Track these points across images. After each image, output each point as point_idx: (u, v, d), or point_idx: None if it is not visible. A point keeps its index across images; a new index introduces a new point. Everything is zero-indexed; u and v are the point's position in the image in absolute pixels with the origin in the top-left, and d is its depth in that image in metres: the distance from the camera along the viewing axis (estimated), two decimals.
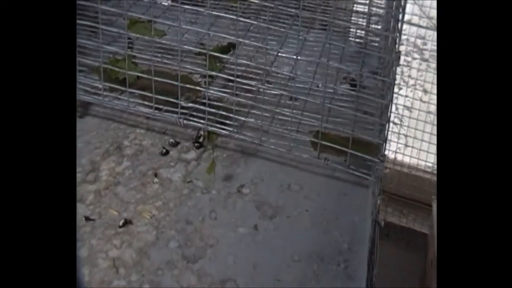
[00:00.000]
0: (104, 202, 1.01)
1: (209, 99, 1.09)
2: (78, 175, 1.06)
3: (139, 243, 0.93)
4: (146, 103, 1.14)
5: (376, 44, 1.50)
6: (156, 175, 1.07)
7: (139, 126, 1.21)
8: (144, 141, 1.16)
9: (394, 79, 1.03)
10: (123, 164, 1.11)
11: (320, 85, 1.15)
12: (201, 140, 1.17)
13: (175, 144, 1.15)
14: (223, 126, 1.11)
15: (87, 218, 0.97)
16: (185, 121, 1.10)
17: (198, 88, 1.11)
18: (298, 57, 1.06)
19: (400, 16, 0.97)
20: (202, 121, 1.10)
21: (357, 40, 1.54)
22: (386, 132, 1.04)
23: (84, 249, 0.91)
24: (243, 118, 1.11)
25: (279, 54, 1.15)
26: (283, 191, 1.04)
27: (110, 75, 1.15)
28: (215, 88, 1.15)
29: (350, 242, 0.95)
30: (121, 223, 0.96)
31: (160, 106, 1.13)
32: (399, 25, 0.97)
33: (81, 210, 0.99)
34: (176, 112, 1.11)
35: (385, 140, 1.01)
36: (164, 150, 1.13)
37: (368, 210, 1.01)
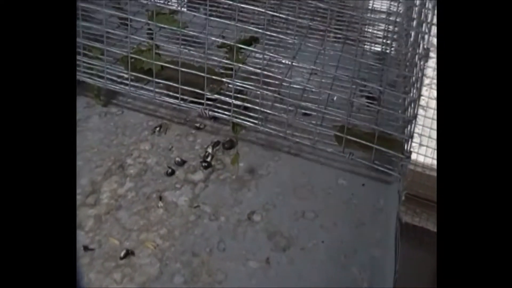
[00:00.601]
0: (104, 229, 0.94)
1: (234, 91, 1.07)
2: (77, 197, 0.99)
3: (141, 277, 0.86)
4: (171, 93, 1.13)
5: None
6: (160, 198, 1.00)
7: (143, 141, 1.13)
8: (148, 159, 1.09)
9: (422, 75, 0.97)
10: (125, 185, 1.03)
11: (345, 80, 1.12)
12: (208, 159, 1.09)
13: (182, 163, 1.07)
14: (247, 118, 1.09)
15: (86, 248, 0.90)
16: (210, 112, 1.09)
17: (223, 80, 1.09)
18: (323, 50, 1.04)
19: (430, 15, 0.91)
20: (227, 112, 1.08)
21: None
22: (412, 128, 0.99)
23: (81, 284, 0.83)
24: (268, 111, 1.07)
25: (301, 47, 1.17)
26: (297, 219, 0.96)
27: (135, 65, 1.14)
28: (240, 81, 1.10)
29: (370, 280, 0.88)
30: (122, 254, 0.89)
31: (185, 97, 1.11)
32: (430, 16, 0.90)
33: (80, 237, 0.92)
34: (202, 103, 1.09)
35: (411, 136, 0.97)
36: (170, 170, 1.05)
37: (390, 244, 0.93)
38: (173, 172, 1.07)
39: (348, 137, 1.00)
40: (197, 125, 1.18)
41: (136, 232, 0.94)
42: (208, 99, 1.09)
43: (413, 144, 0.99)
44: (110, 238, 0.93)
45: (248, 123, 1.09)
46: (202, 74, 1.01)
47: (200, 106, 1.10)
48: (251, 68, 1.09)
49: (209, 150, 1.12)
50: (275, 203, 1.01)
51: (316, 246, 0.94)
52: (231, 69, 1.11)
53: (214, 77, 1.03)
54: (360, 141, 0.99)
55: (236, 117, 1.09)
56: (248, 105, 1.08)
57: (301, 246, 0.93)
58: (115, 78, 1.12)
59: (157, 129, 1.17)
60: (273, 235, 0.95)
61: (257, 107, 1.07)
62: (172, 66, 1.08)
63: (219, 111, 1.10)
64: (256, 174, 1.07)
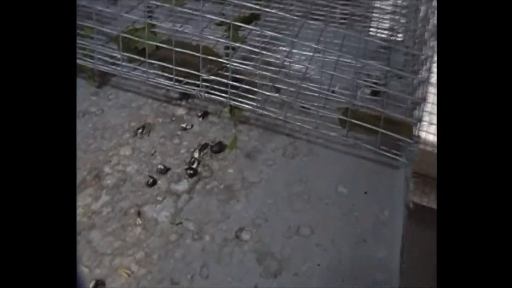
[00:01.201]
0: None
1: (231, 72, 0.97)
2: None
3: None
4: (166, 74, 1.04)
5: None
6: (139, 213, 0.89)
7: (124, 145, 1.02)
8: (128, 167, 0.98)
9: (432, 53, 0.89)
10: (101, 199, 0.93)
11: (349, 60, 1.03)
12: (194, 165, 0.98)
13: (165, 171, 0.96)
14: (246, 101, 1.00)
15: None
16: (206, 94, 1.01)
17: (220, 60, 0.99)
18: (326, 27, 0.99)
19: None
20: (224, 94, 1.00)
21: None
22: (421, 111, 0.91)
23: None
24: (267, 93, 0.99)
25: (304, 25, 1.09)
26: (290, 237, 0.85)
27: (129, 45, 1.06)
28: (239, 61, 1.01)
29: None
30: (91, 285, 0.78)
31: (181, 78, 1.03)
32: None
33: None
34: (197, 85, 1.01)
35: (420, 119, 0.90)
36: (151, 180, 0.94)
37: (395, 264, 0.81)
38: (154, 182, 0.96)
39: (353, 120, 0.91)
40: (184, 125, 1.07)
41: (109, 257, 0.84)
42: (205, 80, 1.00)
43: (423, 123, 0.92)
44: (79, 265, 0.82)
45: (247, 106, 0.99)
46: (197, 54, 0.94)
47: (196, 88, 1.01)
48: (249, 48, 0.98)
49: (196, 154, 1.01)
50: (267, 216, 0.90)
51: (311, 269, 0.83)
52: (233, 49, 1.02)
53: (210, 57, 0.96)
54: (366, 124, 0.90)
55: (234, 99, 1.00)
56: (246, 86, 0.99)
57: (294, 271, 0.83)
58: (107, 59, 1.08)
59: (140, 130, 1.06)
60: (263, 256, 0.84)
61: (255, 89, 0.97)
62: (166, 46, 0.99)
63: (216, 93, 1.01)
64: (246, 182, 0.95)
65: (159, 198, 0.93)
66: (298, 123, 0.98)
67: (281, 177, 0.96)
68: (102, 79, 1.20)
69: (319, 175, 0.97)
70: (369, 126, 0.87)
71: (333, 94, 0.97)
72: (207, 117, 1.09)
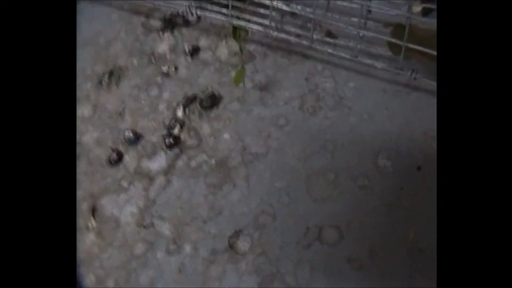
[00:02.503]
0: None
1: None
2: None
3: None
4: None
5: None
6: (94, 211, 0.61)
7: (83, 102, 0.73)
8: (85, 135, 0.69)
9: None
10: None
11: None
12: (176, 130, 0.68)
13: (135, 140, 0.69)
14: (254, 18, 0.70)
15: None
16: (198, 11, 0.72)
17: None
18: None
19: None
20: (224, 10, 0.71)
21: None
22: None
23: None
24: (285, 7, 0.67)
25: None
26: (308, 246, 0.55)
27: None
28: None
29: None
30: None
31: None
32: None
33: None
34: None
35: None
36: (115, 155, 0.66)
37: None
38: (119, 158, 0.69)
39: (410, 45, 0.60)
40: (166, 68, 0.77)
41: None
42: None
43: None
44: None
45: (255, 27, 0.70)
46: None
47: (185, 2, 0.71)
48: None
49: (179, 112, 0.71)
50: (275, 210, 0.61)
51: None
52: None
53: None
54: (426, 50, 0.59)
55: (238, 17, 0.70)
56: None
57: None
58: None
59: (106, 78, 0.76)
60: (269, 281, 0.55)
61: (267, 1, 0.67)
62: None
63: (212, 8, 0.71)
64: (247, 153, 0.66)
65: (124, 184, 0.65)
66: (329, 50, 0.67)
67: (297, 145, 0.65)
68: None
69: (351, 141, 0.66)
70: (431, 52, 0.57)
71: (379, 6, 0.63)
72: (198, 54, 0.78)
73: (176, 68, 0.78)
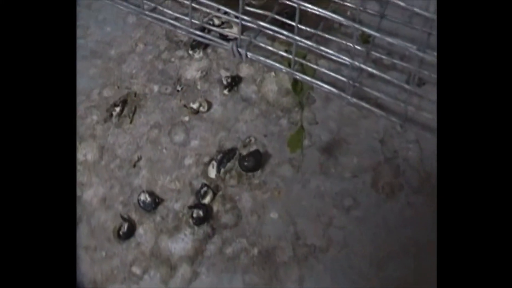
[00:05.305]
0: None
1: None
2: None
3: None
4: None
5: None
6: None
7: (85, 142, 0.55)
8: (87, 191, 0.54)
9: None
10: None
11: None
12: (207, 199, 0.53)
13: (152, 205, 0.53)
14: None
15: None
16: (249, 54, 0.50)
17: None
18: None
19: None
20: (284, 53, 0.50)
21: None
22: None
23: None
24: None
25: None
26: None
27: None
28: None
29: None
30: None
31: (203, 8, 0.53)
32: None
33: None
34: (230, 40, 0.52)
35: None
36: (125, 226, 0.50)
37: None
38: (132, 231, 0.51)
39: None
40: (196, 104, 0.58)
41: None
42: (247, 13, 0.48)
43: None
44: None
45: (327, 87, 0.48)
46: None
47: (226, 44, 0.49)
48: None
49: (211, 172, 0.54)
50: None
51: None
52: None
53: None
54: None
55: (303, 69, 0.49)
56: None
57: None
58: None
59: (117, 110, 0.58)
60: None
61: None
62: None
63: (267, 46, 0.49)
64: (303, 244, 0.48)
65: (137, 271, 0.48)
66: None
67: (368, 240, 0.48)
68: None
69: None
70: None
71: None
72: (238, 87, 0.60)
73: (209, 107, 0.59)
